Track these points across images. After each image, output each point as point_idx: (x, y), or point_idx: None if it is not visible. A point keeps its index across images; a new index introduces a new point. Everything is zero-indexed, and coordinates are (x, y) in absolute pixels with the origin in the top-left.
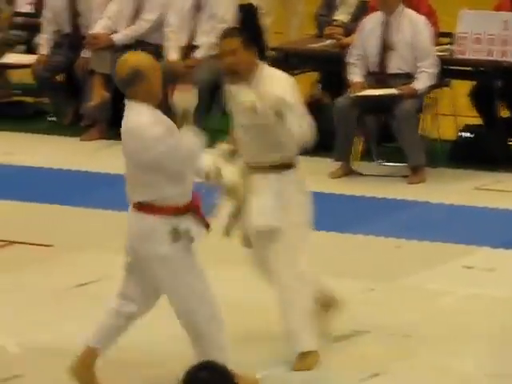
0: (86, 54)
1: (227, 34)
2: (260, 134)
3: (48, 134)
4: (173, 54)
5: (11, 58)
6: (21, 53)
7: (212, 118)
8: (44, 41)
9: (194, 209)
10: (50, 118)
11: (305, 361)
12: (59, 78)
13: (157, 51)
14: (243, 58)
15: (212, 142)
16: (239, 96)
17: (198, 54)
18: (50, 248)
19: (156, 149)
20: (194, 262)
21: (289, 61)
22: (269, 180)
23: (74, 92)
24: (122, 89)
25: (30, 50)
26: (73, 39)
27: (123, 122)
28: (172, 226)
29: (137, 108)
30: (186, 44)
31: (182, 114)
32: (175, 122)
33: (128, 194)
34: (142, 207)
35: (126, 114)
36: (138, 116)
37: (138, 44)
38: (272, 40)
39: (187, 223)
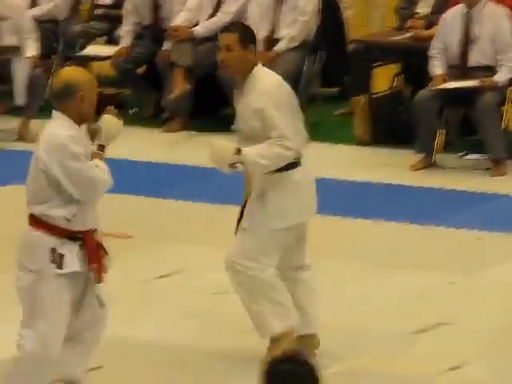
0: (167, 46)
1: (226, 28)
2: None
3: (129, 126)
4: None
5: (92, 49)
6: (102, 44)
7: None
8: (125, 33)
9: (88, 243)
10: (131, 111)
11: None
12: (140, 69)
13: None
14: (237, 54)
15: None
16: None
17: (279, 46)
18: (130, 239)
19: (63, 166)
20: (60, 292)
21: (370, 53)
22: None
23: (155, 84)
24: (53, 101)
25: (111, 41)
26: (154, 31)
27: (44, 130)
28: (53, 245)
29: (61, 121)
30: (267, 36)
31: (103, 139)
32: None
33: (27, 203)
34: (32, 220)
35: (50, 123)
36: (60, 129)
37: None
38: (353, 32)
39: (68, 249)
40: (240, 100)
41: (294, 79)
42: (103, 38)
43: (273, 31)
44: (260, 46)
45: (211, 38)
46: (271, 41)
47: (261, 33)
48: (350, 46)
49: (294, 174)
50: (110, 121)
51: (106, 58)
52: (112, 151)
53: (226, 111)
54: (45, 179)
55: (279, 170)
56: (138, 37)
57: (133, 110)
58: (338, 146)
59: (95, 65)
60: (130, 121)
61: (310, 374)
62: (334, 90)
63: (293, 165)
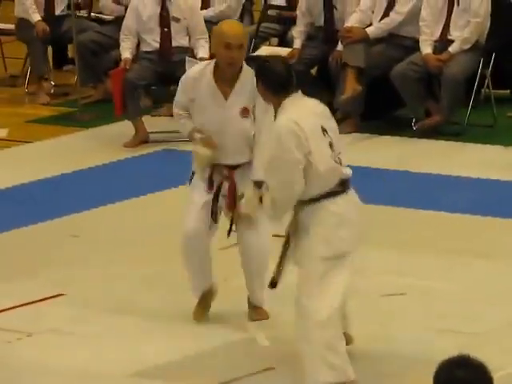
0: (340, 47)
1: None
2: None
3: None
4: (426, 48)
5: (265, 50)
6: (274, 45)
7: (465, 112)
8: (297, 34)
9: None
10: None
11: None
12: (312, 70)
13: (411, 44)
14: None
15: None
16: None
17: (453, 48)
18: None
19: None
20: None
21: None
22: None
23: (327, 85)
24: None
25: (284, 42)
26: (327, 32)
27: None
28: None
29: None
30: (440, 38)
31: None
32: None
33: None
34: None
35: None
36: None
37: (392, 37)
38: None
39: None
40: None
41: (467, 81)
42: (276, 39)
43: (445, 33)
44: (431, 48)
45: (384, 39)
46: (444, 42)
47: (433, 34)
48: None
49: (331, 204)
50: (196, 151)
51: None
52: None
53: (398, 113)
54: None
55: (316, 200)
56: (310, 38)
57: None
58: (511, 148)
59: None
60: None
61: (486, 379)
62: (507, 91)
63: (330, 194)
